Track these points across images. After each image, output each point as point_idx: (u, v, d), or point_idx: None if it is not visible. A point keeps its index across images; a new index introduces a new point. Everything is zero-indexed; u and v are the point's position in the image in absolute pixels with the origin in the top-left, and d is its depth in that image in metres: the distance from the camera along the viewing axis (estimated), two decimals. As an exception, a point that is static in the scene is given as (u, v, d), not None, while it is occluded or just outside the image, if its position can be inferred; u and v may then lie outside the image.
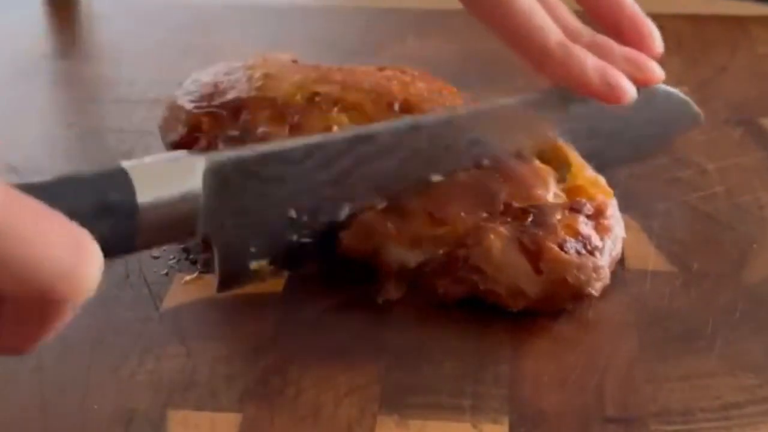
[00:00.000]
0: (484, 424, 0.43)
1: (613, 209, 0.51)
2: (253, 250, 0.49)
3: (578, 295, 0.48)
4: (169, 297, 0.50)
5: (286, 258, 0.50)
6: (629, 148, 0.59)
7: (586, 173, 0.52)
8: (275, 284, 0.51)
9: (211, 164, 0.46)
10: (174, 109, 0.58)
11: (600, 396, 0.44)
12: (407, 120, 0.53)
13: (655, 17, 0.56)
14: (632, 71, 0.53)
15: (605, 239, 0.49)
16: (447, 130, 0.52)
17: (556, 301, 0.48)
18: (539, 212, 0.49)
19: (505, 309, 0.48)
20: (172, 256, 0.53)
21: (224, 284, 0.49)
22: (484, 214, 0.50)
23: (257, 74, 0.59)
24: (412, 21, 0.58)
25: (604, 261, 0.49)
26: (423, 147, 0.51)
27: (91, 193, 0.42)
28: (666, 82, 0.54)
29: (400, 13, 0.59)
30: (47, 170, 0.61)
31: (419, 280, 0.50)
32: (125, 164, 0.43)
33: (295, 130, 0.54)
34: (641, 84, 0.53)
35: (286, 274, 0.51)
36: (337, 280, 0.51)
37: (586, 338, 0.48)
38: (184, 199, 0.45)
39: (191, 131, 0.56)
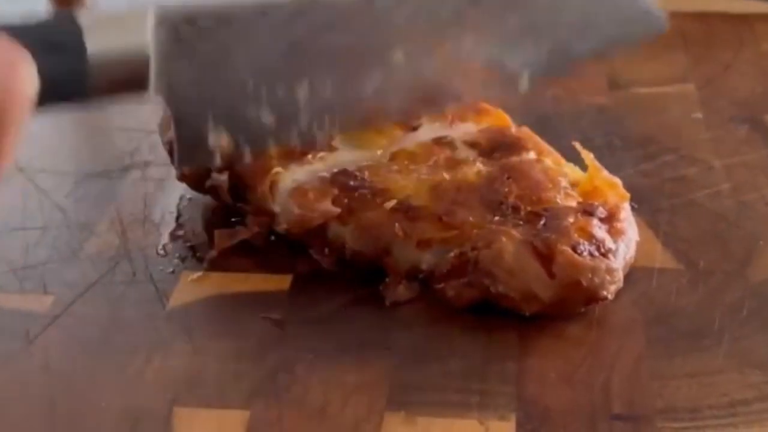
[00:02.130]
0: (491, 421, 0.43)
1: (626, 212, 0.51)
2: (211, 122, 0.49)
3: (592, 298, 0.48)
4: (175, 295, 0.50)
5: (247, 134, 0.49)
6: (592, 43, 0.57)
7: (602, 175, 0.52)
8: (282, 282, 0.51)
9: (160, 18, 0.46)
10: None
11: (607, 393, 0.44)
12: None
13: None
14: None
15: (618, 242, 0.49)
16: (403, 9, 0.51)
17: (570, 305, 0.48)
18: (552, 215, 0.49)
19: (518, 313, 0.48)
20: (178, 254, 0.53)
21: (183, 158, 0.50)
22: (494, 218, 0.49)
23: None
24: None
25: (618, 264, 0.48)
26: (378, 23, 0.50)
27: (41, 31, 0.43)
28: (672, 78, 0.54)
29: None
30: (54, 170, 0.61)
31: (429, 282, 0.50)
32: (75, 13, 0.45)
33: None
34: None
35: (248, 153, 0.50)
36: (345, 279, 0.51)
37: (593, 336, 0.48)
38: (134, 50, 0.45)
39: None
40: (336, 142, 0.54)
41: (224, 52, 0.48)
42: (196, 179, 0.56)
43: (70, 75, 0.44)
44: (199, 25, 0.47)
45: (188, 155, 0.49)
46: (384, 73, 0.51)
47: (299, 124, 0.50)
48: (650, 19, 0.59)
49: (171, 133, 0.56)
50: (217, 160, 0.50)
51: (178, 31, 0.47)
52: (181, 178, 0.57)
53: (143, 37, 0.46)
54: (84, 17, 0.44)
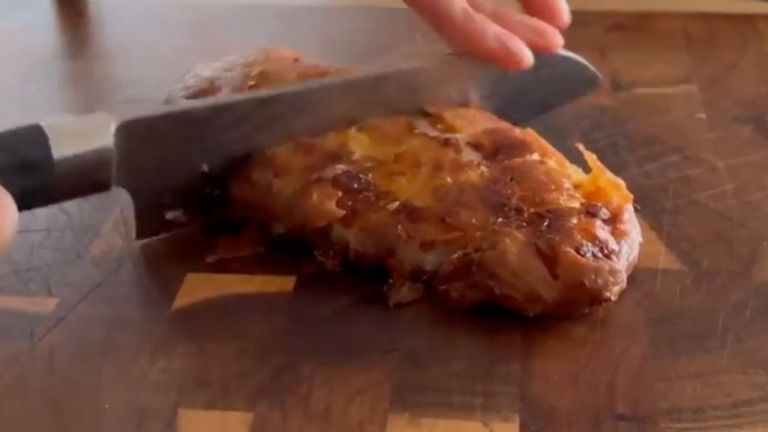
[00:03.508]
0: (494, 423, 0.43)
1: (629, 213, 0.51)
2: (167, 201, 0.53)
3: (596, 299, 0.48)
4: (179, 296, 0.50)
5: (199, 207, 0.54)
6: (531, 107, 0.62)
7: (606, 176, 0.52)
8: (286, 283, 0.51)
9: (122, 122, 0.50)
10: (169, 102, 0.59)
11: (611, 394, 0.44)
12: (315, 81, 0.57)
13: (665, 15, 0.56)
14: (533, 38, 0.57)
15: (622, 243, 0.49)
16: (353, 91, 0.56)
17: (574, 306, 0.48)
18: (555, 216, 0.49)
19: (522, 314, 0.48)
20: (181, 256, 0.53)
21: (141, 232, 0.53)
22: (497, 219, 0.49)
23: (254, 72, 0.59)
24: (421, 21, 0.59)
25: (621, 265, 0.48)
26: (332, 106, 0.55)
27: (9, 149, 0.46)
28: (675, 79, 0.54)
29: (409, 13, 0.59)
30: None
31: (433, 284, 0.50)
32: (42, 122, 0.47)
33: (310, 150, 0.54)
34: (541, 49, 0.57)
35: (199, 222, 0.55)
36: (349, 280, 0.51)
37: (597, 336, 0.48)
38: (97, 154, 0.49)
39: None
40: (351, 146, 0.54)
41: (181, 146, 0.52)
42: None
43: (38, 187, 0.47)
44: (159, 128, 0.52)
45: (146, 229, 0.54)
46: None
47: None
48: (587, 76, 0.64)
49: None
50: (172, 230, 0.54)
51: (140, 135, 0.51)
52: None
53: (106, 141, 0.49)
54: (50, 127, 0.47)
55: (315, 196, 0.51)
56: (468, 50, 0.57)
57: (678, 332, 0.48)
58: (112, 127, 0.49)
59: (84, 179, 0.49)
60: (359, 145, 0.54)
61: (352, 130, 0.55)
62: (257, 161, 0.53)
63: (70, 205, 0.57)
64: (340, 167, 0.52)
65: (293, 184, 0.52)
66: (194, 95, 0.59)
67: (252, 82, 0.59)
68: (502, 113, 0.58)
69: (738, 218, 0.56)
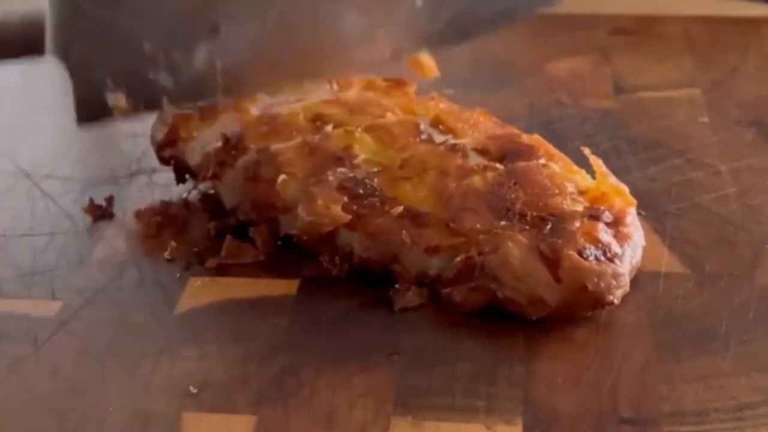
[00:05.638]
0: (498, 426, 0.43)
1: (632, 216, 0.51)
2: (108, 81, 0.50)
3: (599, 302, 0.48)
4: (183, 300, 0.51)
5: (143, 94, 0.51)
6: (483, 19, 0.59)
7: (610, 181, 0.52)
8: (289, 287, 0.51)
9: None
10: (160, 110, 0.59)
11: (614, 397, 0.44)
12: None
13: (667, 18, 0.56)
14: None
15: (625, 246, 0.49)
16: None
17: (577, 310, 0.48)
18: (558, 220, 0.49)
19: (525, 317, 0.48)
20: (185, 260, 0.53)
21: (82, 116, 0.51)
22: (501, 223, 0.50)
23: None
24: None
25: (624, 268, 0.48)
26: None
27: None
28: (678, 82, 0.54)
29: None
30: (61, 176, 0.61)
31: (436, 287, 0.50)
32: None
33: (315, 150, 0.54)
34: None
35: (143, 111, 0.53)
36: (352, 284, 0.51)
37: (600, 339, 0.48)
38: (29, 15, 0.48)
39: (170, 132, 0.57)
40: (356, 150, 0.54)
41: (121, 16, 0.49)
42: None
43: None
44: None
45: (86, 112, 0.51)
46: (270, 36, 0.53)
47: (196, 86, 0.52)
48: None
49: (159, 134, 0.57)
50: (116, 117, 0.51)
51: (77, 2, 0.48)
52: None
53: (39, 3, 0.47)
54: None
55: (320, 201, 0.51)
56: None
57: (681, 335, 0.48)
58: None
59: (15, 40, 0.47)
60: (364, 147, 0.54)
61: (358, 132, 0.55)
62: (263, 159, 0.54)
63: (74, 209, 0.58)
64: (344, 171, 0.53)
65: (298, 184, 0.52)
66: None
67: None
68: (452, 26, 0.57)
69: (741, 221, 0.56)
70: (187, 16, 0.51)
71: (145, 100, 0.51)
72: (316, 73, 0.57)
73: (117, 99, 0.51)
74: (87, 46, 0.49)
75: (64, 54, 0.49)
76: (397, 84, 0.61)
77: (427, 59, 0.60)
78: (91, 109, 0.51)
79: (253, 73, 0.54)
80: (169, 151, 0.58)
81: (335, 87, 0.60)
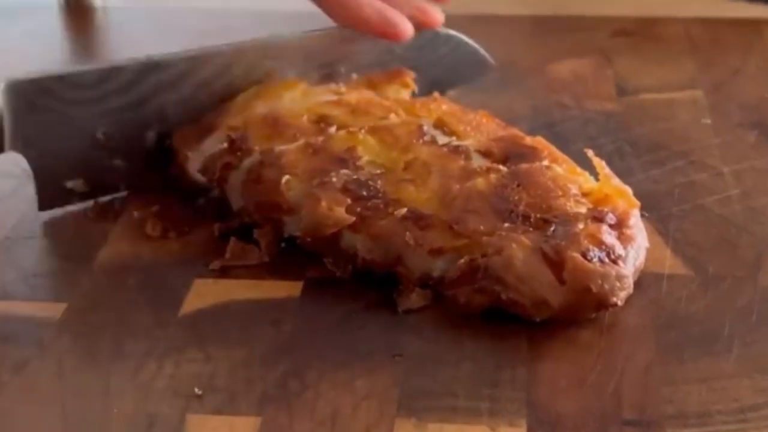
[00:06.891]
0: (501, 427, 0.43)
1: (635, 218, 0.51)
2: (66, 169, 0.54)
3: (602, 304, 0.48)
4: (187, 302, 0.51)
5: (100, 179, 0.55)
6: (420, 87, 0.62)
7: (613, 183, 0.52)
8: (293, 289, 0.51)
9: (8, 83, 0.51)
10: None
11: (617, 399, 0.44)
12: (195, 50, 0.57)
13: (669, 20, 0.56)
14: (415, 14, 0.58)
15: (628, 248, 0.49)
16: (234, 60, 0.57)
17: (580, 311, 0.48)
18: (561, 222, 0.49)
19: (528, 319, 0.48)
20: (190, 262, 0.53)
21: (43, 203, 0.54)
22: (505, 225, 0.50)
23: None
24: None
25: (628, 270, 0.48)
26: (213, 76, 0.56)
27: None
28: (680, 84, 0.54)
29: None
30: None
31: (440, 289, 0.50)
32: None
33: (318, 152, 0.54)
34: (423, 26, 0.59)
35: (102, 196, 0.56)
36: (355, 285, 0.51)
37: (603, 341, 0.48)
38: None
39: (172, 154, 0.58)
40: (359, 151, 0.54)
41: (71, 110, 0.53)
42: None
43: None
44: (47, 89, 0.52)
45: (47, 199, 0.54)
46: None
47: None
48: (477, 59, 0.65)
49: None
50: (77, 202, 0.55)
51: (28, 97, 0.51)
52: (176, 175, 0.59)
53: None
54: None
55: (324, 203, 0.51)
56: (346, 21, 0.58)
57: (684, 337, 0.48)
58: (0, 88, 0.50)
59: None
60: (368, 149, 0.54)
61: (361, 134, 0.55)
62: (267, 161, 0.54)
63: (78, 212, 0.58)
64: (347, 172, 0.53)
65: (301, 185, 0.53)
66: None
67: None
68: None
69: (743, 223, 0.56)
70: (134, 104, 0.55)
71: (103, 185, 0.55)
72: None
73: (76, 186, 0.55)
74: (45, 139, 0.53)
75: (24, 148, 0.52)
76: (397, 74, 0.62)
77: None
78: (51, 196, 0.55)
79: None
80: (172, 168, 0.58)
81: (342, 87, 0.61)
